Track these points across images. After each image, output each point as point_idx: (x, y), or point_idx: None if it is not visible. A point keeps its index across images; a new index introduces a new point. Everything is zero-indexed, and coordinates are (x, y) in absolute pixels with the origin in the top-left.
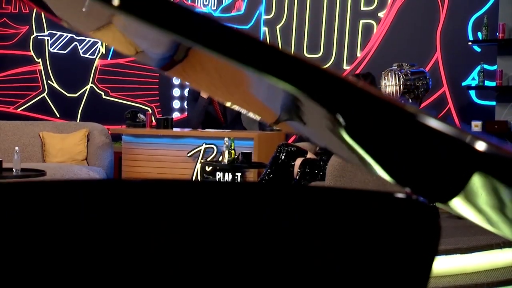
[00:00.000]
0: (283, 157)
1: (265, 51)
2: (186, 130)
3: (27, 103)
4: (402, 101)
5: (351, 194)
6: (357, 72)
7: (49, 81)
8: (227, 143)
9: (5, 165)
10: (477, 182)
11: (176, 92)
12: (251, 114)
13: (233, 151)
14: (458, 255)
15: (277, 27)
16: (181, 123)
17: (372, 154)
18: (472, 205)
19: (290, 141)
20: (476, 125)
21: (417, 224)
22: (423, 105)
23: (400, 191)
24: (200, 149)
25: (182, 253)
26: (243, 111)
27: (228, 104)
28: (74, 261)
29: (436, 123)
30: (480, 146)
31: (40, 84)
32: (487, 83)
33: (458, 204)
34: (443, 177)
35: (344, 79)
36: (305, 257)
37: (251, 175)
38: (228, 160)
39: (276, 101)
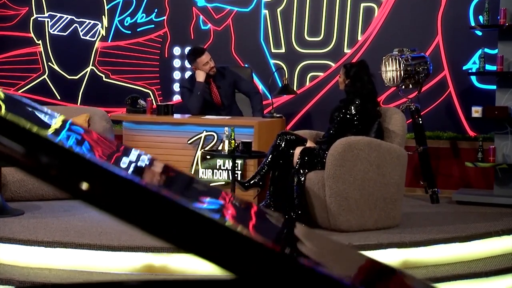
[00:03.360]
0: (283, 144)
1: None
2: (186, 116)
3: (28, 85)
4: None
5: None
6: (353, 60)
7: (49, 63)
8: (227, 133)
9: None
10: None
11: (176, 75)
12: None
13: (233, 141)
14: (457, 244)
15: (278, 10)
16: (182, 107)
17: None
18: None
19: (288, 127)
20: (477, 111)
21: None
22: (423, 89)
23: None
24: (201, 137)
25: None
26: None
27: None
28: None
29: None
30: None
31: (41, 66)
32: (488, 67)
33: None
34: None
35: None
36: None
37: (251, 162)
38: (228, 150)
39: None
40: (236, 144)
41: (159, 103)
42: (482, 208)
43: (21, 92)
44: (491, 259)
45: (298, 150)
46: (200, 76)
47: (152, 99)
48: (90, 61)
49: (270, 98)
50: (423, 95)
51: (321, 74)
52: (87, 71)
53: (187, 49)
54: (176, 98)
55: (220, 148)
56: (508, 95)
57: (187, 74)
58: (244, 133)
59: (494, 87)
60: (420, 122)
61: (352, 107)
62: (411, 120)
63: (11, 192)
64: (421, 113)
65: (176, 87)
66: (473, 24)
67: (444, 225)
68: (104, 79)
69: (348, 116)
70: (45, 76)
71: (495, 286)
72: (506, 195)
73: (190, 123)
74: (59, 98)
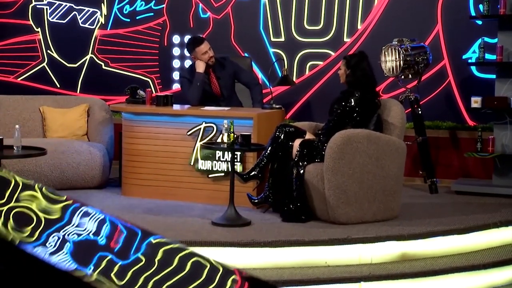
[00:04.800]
0: (282, 137)
1: None
2: (186, 107)
3: (27, 73)
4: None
5: None
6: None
7: (48, 51)
8: (226, 125)
9: (5, 141)
10: None
11: (176, 63)
12: None
13: (232, 134)
14: (455, 236)
15: None
16: (181, 96)
17: None
18: None
19: (288, 116)
20: (476, 101)
21: None
22: (423, 78)
23: None
24: (200, 128)
25: None
26: None
27: None
28: None
29: None
30: None
31: (40, 53)
32: (488, 56)
33: None
34: None
35: None
36: None
37: (251, 154)
38: (227, 143)
39: None
40: (235, 136)
41: (158, 94)
42: (481, 198)
43: (21, 79)
44: (489, 251)
45: (297, 142)
46: (200, 67)
47: (151, 90)
48: (89, 49)
49: (270, 88)
50: (423, 84)
51: (320, 63)
52: (86, 59)
53: (186, 38)
54: (176, 86)
55: (219, 140)
56: (507, 85)
57: (187, 62)
58: (243, 125)
59: (493, 76)
60: (420, 112)
61: (352, 100)
62: (410, 110)
63: None
64: (421, 103)
65: (176, 75)
66: (473, 13)
67: (442, 216)
68: (103, 67)
69: (347, 108)
70: (44, 64)
71: (494, 278)
72: (505, 185)
73: (190, 114)
74: (58, 86)
